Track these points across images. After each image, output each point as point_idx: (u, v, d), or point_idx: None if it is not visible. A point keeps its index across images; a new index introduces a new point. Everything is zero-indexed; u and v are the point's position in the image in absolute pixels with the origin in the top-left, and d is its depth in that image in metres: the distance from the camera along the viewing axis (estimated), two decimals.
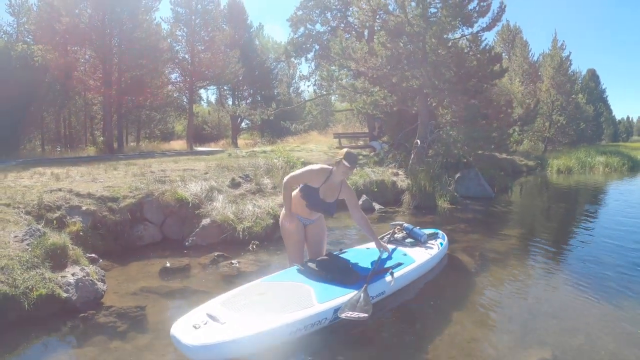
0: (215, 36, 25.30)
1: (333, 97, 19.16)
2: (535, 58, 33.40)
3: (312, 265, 4.16)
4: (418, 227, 5.59)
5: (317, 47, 15.86)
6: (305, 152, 12.04)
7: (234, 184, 7.19)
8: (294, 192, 4.50)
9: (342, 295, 3.73)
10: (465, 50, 11.69)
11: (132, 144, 24.93)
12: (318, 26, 15.80)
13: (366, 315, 3.51)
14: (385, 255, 4.60)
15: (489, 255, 5.70)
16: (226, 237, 5.93)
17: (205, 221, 5.95)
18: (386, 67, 10.61)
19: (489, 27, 12.55)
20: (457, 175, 11.37)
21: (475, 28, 12.31)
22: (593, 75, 53.00)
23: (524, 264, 5.46)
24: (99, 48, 18.78)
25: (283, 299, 3.62)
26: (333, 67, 15.70)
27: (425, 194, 9.25)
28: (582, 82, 42.57)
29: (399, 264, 4.50)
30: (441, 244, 5.50)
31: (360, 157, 13.70)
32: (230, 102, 34.46)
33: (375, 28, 11.80)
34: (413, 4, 11.01)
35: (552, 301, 4.23)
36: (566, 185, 15.36)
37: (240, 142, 30.91)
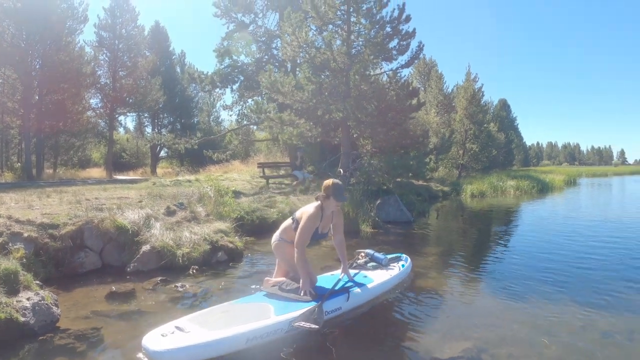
0: (137, 62, 25.27)
1: (254, 127, 19.72)
2: (449, 90, 35.90)
3: (274, 287, 4.78)
4: (381, 252, 6.26)
5: (242, 78, 16.42)
6: (229, 181, 12.59)
7: (170, 212, 7.63)
8: (287, 223, 5.06)
9: (298, 310, 4.24)
10: (386, 86, 12.82)
11: (48, 170, 24.07)
12: (243, 57, 16.40)
13: (317, 326, 4.00)
14: (346, 278, 5.19)
15: (415, 271, 6.56)
16: (166, 263, 6.32)
17: (145, 247, 6.35)
18: (311, 100, 11.47)
19: (407, 64, 13.95)
20: (378, 201, 12.26)
21: (395, 65, 13.64)
22: (504, 105, 57.10)
23: (445, 277, 6.44)
24: (20, 69, 18.27)
25: (244, 314, 4.14)
26: (257, 98, 16.46)
27: (349, 220, 10.01)
28: (493, 111, 45.81)
29: (357, 285, 5.12)
30: (402, 265, 6.12)
31: (283, 185, 14.47)
32: (149, 130, 34.14)
33: (298, 61, 12.62)
34: (338, 42, 12.06)
35: (472, 305, 5.22)
36: (480, 208, 16.92)
37: (159, 170, 30.67)
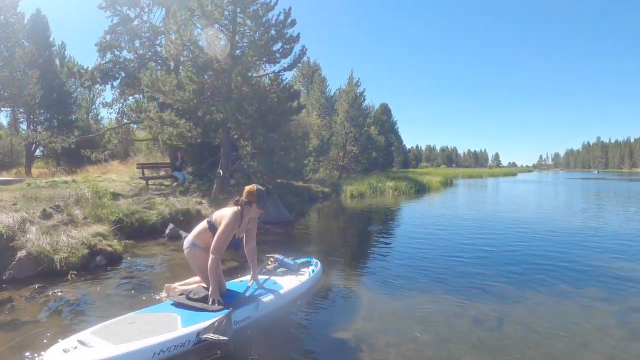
0: (15, 52, 23.41)
1: (134, 126, 19.17)
2: (332, 93, 37.38)
3: (181, 297, 4.75)
4: (291, 257, 6.33)
5: (123, 74, 16.00)
6: (108, 182, 12.36)
7: (46, 215, 7.49)
8: (202, 227, 4.96)
9: (206, 320, 4.18)
10: (268, 88, 13.23)
11: None
12: (125, 53, 15.92)
13: (225, 337, 3.97)
14: (255, 285, 5.21)
15: None
16: (43, 269, 6.21)
17: (21, 253, 6.21)
18: (192, 100, 11.64)
19: (290, 67, 14.45)
20: None
21: (278, 67, 14.07)
22: (385, 109, 59.88)
23: (325, 274, 6.79)
24: None
25: (151, 326, 4.02)
26: (138, 96, 16.14)
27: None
28: (374, 115, 48.18)
29: (267, 292, 5.14)
30: (313, 270, 6.21)
31: (163, 186, 14.45)
32: (24, 127, 31.62)
33: (181, 59, 12.61)
34: (222, 42, 12.34)
35: (351, 300, 5.74)
36: (359, 208, 18.01)
37: (34, 171, 28.59)
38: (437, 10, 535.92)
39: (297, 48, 14.18)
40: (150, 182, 14.44)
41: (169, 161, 16.45)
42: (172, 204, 10.80)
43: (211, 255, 4.65)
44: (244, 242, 5.20)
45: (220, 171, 12.29)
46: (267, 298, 5.04)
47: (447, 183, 38.58)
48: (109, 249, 7.31)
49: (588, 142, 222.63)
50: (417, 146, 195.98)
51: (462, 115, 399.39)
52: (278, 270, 6.09)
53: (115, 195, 11.02)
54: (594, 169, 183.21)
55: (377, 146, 39.15)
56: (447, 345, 4.30)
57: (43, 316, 4.88)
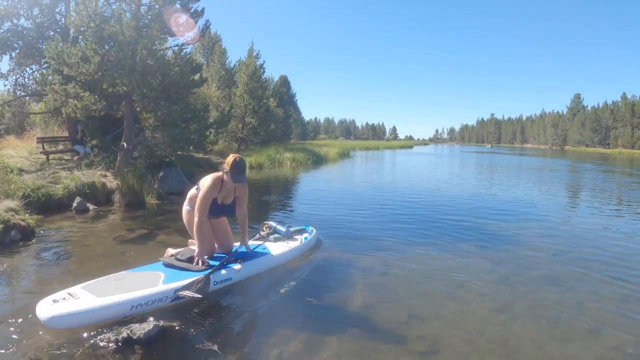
0: None
1: (28, 98, 18.36)
2: (232, 65, 37.58)
3: (171, 258, 5.16)
4: (286, 225, 6.73)
5: (21, 44, 15.37)
6: (6, 157, 12.29)
7: None
8: (192, 192, 5.46)
9: (186, 279, 4.58)
10: (171, 61, 13.65)
11: None
12: (23, 21, 15.26)
13: (200, 295, 4.34)
14: (243, 249, 5.58)
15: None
16: None
17: None
18: (97, 73, 11.84)
19: (193, 41, 15.02)
20: (161, 174, 13.23)
21: (181, 41, 14.49)
22: (285, 82, 60.69)
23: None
24: None
25: (135, 283, 4.43)
26: (36, 67, 15.64)
27: (134, 193, 10.99)
28: (274, 87, 48.88)
29: (253, 256, 5.51)
30: (305, 238, 6.59)
31: (64, 160, 14.44)
32: None
33: (82, 29, 12.54)
34: (128, 15, 12.51)
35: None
36: (259, 179, 19.10)
37: None
38: None
39: (201, 22, 14.72)
40: (51, 156, 14.43)
41: (67, 135, 16.27)
42: (78, 178, 11.10)
43: (195, 217, 5.15)
44: (237, 209, 5.61)
45: (124, 144, 12.64)
46: (251, 262, 5.42)
47: (344, 154, 40.74)
48: (23, 223, 7.42)
49: (482, 119, 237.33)
50: (315, 118, 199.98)
51: (361, 89, 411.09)
52: (271, 236, 6.47)
53: (18, 171, 11.00)
54: (487, 143, 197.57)
55: (276, 118, 39.91)
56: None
57: None
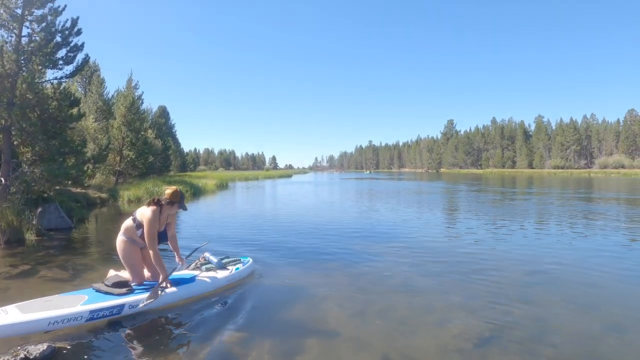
0: None
1: None
2: (110, 95, 36.84)
3: (100, 284, 5.63)
4: (221, 257, 7.14)
5: None
6: None
7: None
8: (129, 222, 6.01)
9: (106, 301, 5.16)
10: (50, 95, 13.67)
11: None
12: None
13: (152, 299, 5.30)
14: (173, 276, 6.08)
15: (79, 267, 8.12)
16: None
17: None
18: None
19: (72, 75, 15.11)
20: (39, 209, 13.11)
21: (60, 74, 14.63)
22: (164, 112, 60.39)
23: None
24: None
25: (59, 304, 4.97)
26: None
27: (14, 229, 10.84)
28: (152, 118, 48.42)
29: (176, 283, 5.91)
30: (237, 268, 6.95)
31: None
32: None
33: None
34: (10, 48, 12.47)
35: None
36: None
37: None
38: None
39: (80, 56, 14.93)
40: None
41: None
42: None
43: (150, 252, 5.81)
44: (169, 234, 6.33)
45: (1, 179, 12.43)
46: (172, 290, 5.81)
47: (223, 186, 41.41)
48: None
49: (360, 146, 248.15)
50: (195, 149, 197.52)
51: (240, 118, 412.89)
52: (203, 266, 6.85)
53: None
54: (365, 169, 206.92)
55: (154, 150, 39.65)
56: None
57: None
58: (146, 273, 6.20)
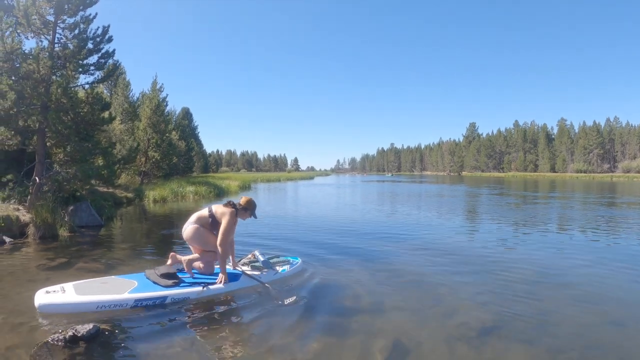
0: None
1: None
2: (135, 97, 37.81)
3: (151, 271, 6.09)
4: (270, 255, 7.43)
5: None
6: None
7: None
8: (202, 230, 6.36)
9: (151, 292, 5.52)
10: (82, 99, 14.38)
11: None
12: None
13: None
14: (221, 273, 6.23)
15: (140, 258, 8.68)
16: None
17: None
18: (13, 109, 12.40)
19: (103, 80, 15.86)
20: (71, 207, 13.84)
21: (92, 79, 15.33)
22: (187, 114, 61.03)
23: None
24: None
25: (111, 287, 5.46)
26: None
27: (48, 226, 11.59)
28: (176, 120, 49.33)
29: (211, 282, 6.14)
30: (283, 270, 7.02)
31: None
32: None
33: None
34: (47, 55, 13.20)
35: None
36: (161, 212, 19.77)
37: None
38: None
39: (109, 62, 15.60)
40: None
41: None
42: None
43: (220, 248, 6.16)
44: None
45: (37, 178, 13.17)
46: (214, 286, 6.04)
47: (245, 187, 41.87)
48: None
49: (382, 148, 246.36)
50: (217, 150, 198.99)
51: (263, 120, 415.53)
52: (252, 264, 6.99)
53: None
54: (387, 172, 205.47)
55: (178, 151, 40.41)
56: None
57: None
58: (198, 264, 6.59)
